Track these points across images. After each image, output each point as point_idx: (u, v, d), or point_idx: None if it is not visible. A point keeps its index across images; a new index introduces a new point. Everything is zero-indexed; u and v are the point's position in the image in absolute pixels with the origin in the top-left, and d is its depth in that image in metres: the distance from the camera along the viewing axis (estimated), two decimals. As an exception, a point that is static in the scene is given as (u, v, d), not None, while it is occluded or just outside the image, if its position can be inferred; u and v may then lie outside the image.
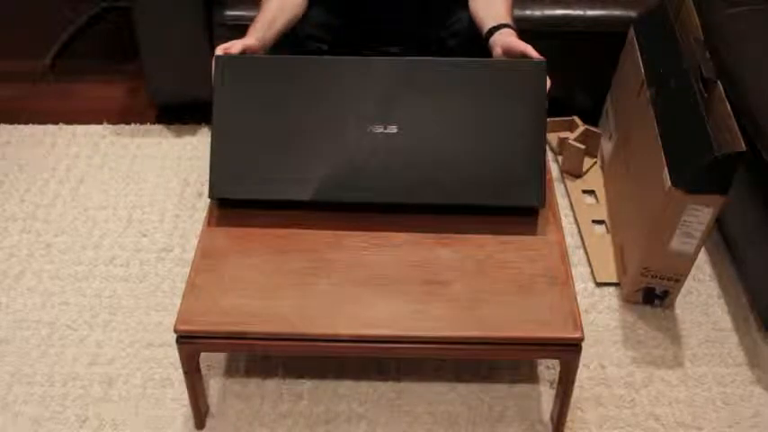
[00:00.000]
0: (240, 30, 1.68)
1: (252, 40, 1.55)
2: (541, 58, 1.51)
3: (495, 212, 1.49)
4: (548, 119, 2.11)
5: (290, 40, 1.70)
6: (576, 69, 2.07)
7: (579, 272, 1.82)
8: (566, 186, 2.06)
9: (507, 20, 1.61)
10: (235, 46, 1.52)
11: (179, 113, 2.29)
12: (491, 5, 1.63)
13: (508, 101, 1.49)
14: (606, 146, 2.06)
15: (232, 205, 1.52)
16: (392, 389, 1.59)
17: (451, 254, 1.44)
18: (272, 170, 1.50)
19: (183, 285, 1.41)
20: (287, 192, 1.49)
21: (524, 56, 1.51)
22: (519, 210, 1.50)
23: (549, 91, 1.51)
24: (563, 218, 1.89)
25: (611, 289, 1.80)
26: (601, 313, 1.74)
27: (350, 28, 1.79)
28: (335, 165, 1.48)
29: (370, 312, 1.35)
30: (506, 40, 1.55)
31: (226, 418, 1.54)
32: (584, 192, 2.05)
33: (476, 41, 1.64)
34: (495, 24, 1.59)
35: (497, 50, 1.56)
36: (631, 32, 1.94)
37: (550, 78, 1.50)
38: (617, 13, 2.02)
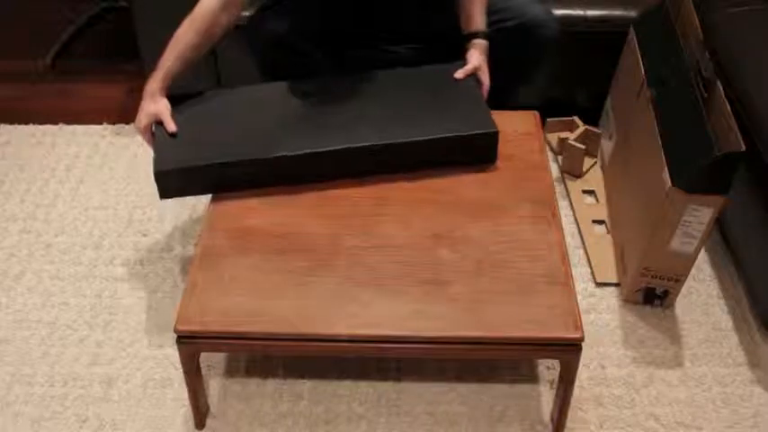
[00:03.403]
0: (238, 30, 1.69)
1: (162, 97, 1.61)
2: (485, 89, 1.69)
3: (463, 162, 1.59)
4: (548, 119, 2.14)
5: (283, 41, 1.70)
6: (576, 69, 2.07)
7: (579, 272, 1.82)
8: (566, 186, 2.06)
9: (478, 26, 1.70)
10: (167, 120, 1.59)
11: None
12: (467, 9, 1.71)
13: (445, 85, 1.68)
14: (606, 146, 2.06)
15: (232, 205, 1.53)
16: (392, 389, 1.59)
17: (451, 254, 1.44)
18: (215, 140, 1.59)
19: (183, 285, 1.41)
20: (231, 154, 1.55)
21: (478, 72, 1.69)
22: (481, 148, 1.59)
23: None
24: (563, 218, 1.89)
25: (611, 289, 1.80)
26: (601, 313, 1.74)
27: (345, 27, 1.79)
28: (280, 123, 1.61)
29: (370, 312, 1.35)
30: (471, 52, 1.69)
31: (226, 418, 1.54)
32: (585, 192, 2.05)
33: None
34: (467, 32, 1.71)
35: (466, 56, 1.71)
36: (631, 32, 1.94)
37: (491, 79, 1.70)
38: (617, 13, 2.02)
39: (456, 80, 1.67)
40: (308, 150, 1.54)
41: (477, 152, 1.60)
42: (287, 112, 1.65)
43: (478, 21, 1.70)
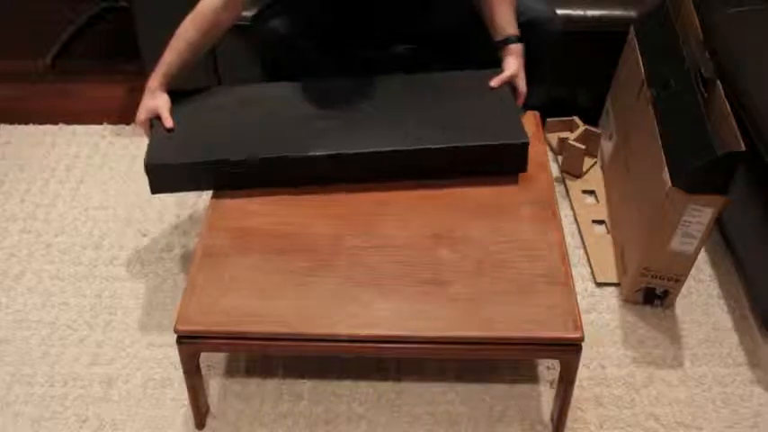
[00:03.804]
0: (239, 30, 1.69)
1: (162, 93, 1.62)
2: (521, 95, 1.65)
3: (488, 171, 1.56)
4: (548, 119, 2.13)
5: (284, 40, 1.70)
6: (576, 69, 2.07)
7: (579, 272, 1.82)
8: (566, 186, 2.06)
9: (509, 29, 1.65)
10: (165, 116, 1.59)
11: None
12: (495, 14, 1.65)
13: (477, 92, 1.63)
14: (606, 146, 2.06)
15: (232, 205, 1.52)
16: (392, 389, 1.59)
17: (451, 254, 1.44)
18: (211, 138, 1.58)
19: (184, 285, 1.41)
20: (224, 152, 1.54)
21: (515, 79, 1.64)
22: (511, 158, 1.55)
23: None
24: (563, 218, 1.89)
25: (611, 289, 1.80)
26: (601, 313, 1.74)
27: (346, 27, 1.79)
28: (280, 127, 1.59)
29: (370, 312, 1.35)
30: (507, 59, 1.65)
31: (226, 418, 1.54)
32: (584, 192, 2.05)
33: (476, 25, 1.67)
34: (499, 39, 1.65)
35: (502, 64, 1.66)
36: (631, 32, 1.94)
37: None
38: (617, 13, 2.02)
39: (490, 87, 1.63)
40: (312, 153, 1.52)
41: (506, 162, 1.56)
42: (297, 112, 1.62)
43: (509, 25, 1.65)
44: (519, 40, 1.65)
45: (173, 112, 1.60)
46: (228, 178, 1.54)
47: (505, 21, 1.65)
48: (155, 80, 1.60)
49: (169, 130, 1.58)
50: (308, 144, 1.53)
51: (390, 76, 1.69)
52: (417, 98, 1.64)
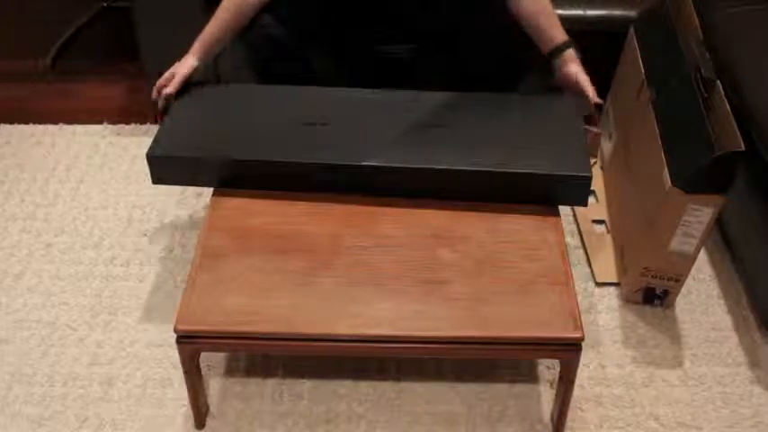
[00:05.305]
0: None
1: (194, 60, 1.63)
2: (594, 98, 1.61)
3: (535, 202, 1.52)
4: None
5: (279, 41, 1.70)
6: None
7: (579, 272, 1.82)
8: (566, 186, 2.06)
9: (558, 37, 1.62)
10: (175, 79, 1.60)
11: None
12: (541, 29, 1.62)
13: (542, 122, 1.60)
14: (606, 146, 2.06)
15: (232, 205, 1.52)
16: (392, 389, 1.59)
17: (451, 254, 1.44)
18: (219, 135, 1.57)
19: (183, 285, 1.41)
20: (225, 151, 1.54)
21: (578, 85, 1.61)
22: (570, 190, 1.50)
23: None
24: (563, 218, 1.89)
25: (611, 289, 1.80)
26: (601, 313, 1.74)
27: (342, 28, 1.79)
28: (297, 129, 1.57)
29: (370, 312, 1.35)
30: (563, 69, 1.62)
31: (226, 418, 1.54)
32: (584, 192, 2.05)
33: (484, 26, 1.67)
34: (550, 49, 1.62)
35: (557, 76, 1.64)
36: (631, 32, 1.94)
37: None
38: (617, 13, 2.02)
39: (558, 114, 1.59)
40: (319, 162, 1.51)
41: (564, 193, 1.52)
42: (313, 118, 1.60)
43: (557, 32, 1.61)
44: (570, 44, 1.61)
45: (188, 104, 1.60)
46: (230, 177, 1.54)
47: (552, 29, 1.61)
48: (193, 46, 1.63)
49: (179, 123, 1.57)
50: (316, 153, 1.52)
51: (428, 92, 1.66)
52: (455, 116, 1.60)
